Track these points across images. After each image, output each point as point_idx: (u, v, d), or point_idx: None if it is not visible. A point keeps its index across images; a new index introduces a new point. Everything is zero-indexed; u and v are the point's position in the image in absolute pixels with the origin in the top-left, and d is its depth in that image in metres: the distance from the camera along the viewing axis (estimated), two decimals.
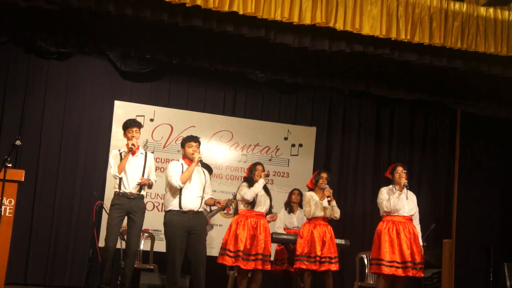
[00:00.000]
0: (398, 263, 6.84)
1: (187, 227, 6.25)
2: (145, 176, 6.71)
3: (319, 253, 7.19)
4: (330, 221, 7.45)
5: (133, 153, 6.71)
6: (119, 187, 6.61)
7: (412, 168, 9.70)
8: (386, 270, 6.86)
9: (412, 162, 9.75)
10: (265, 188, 7.36)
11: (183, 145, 6.52)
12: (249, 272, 7.24)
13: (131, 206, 6.59)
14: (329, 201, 7.29)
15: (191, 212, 6.29)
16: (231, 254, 7.09)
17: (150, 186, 6.79)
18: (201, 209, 6.43)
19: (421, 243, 7.11)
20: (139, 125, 6.86)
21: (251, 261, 7.06)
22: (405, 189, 7.00)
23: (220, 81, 9.07)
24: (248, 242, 7.06)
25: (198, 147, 6.46)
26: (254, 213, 7.20)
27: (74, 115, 8.55)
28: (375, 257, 7.02)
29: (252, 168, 7.35)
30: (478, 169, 9.61)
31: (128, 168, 6.64)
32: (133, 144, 6.65)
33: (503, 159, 9.66)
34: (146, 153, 6.88)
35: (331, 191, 7.30)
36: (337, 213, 7.40)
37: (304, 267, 7.22)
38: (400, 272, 6.84)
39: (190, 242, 6.29)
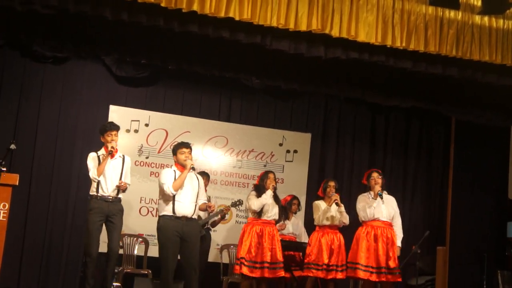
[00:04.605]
0: (373, 268, 6.90)
1: (180, 233, 6.21)
2: (122, 179, 6.67)
3: (326, 261, 7.21)
4: (340, 228, 7.48)
5: (112, 156, 6.67)
6: (97, 191, 6.56)
7: (407, 175, 9.73)
8: (361, 274, 6.95)
9: (407, 169, 9.78)
10: (275, 196, 7.26)
11: (174, 152, 6.48)
12: (254, 279, 7.15)
13: (110, 209, 6.55)
14: (337, 203, 7.26)
15: (184, 218, 6.25)
16: (237, 262, 7.08)
17: (125, 190, 6.74)
18: (195, 216, 6.40)
19: (399, 245, 7.10)
20: (117, 128, 6.78)
21: (257, 269, 6.99)
22: (378, 198, 6.99)
23: (216, 87, 9.07)
24: (253, 249, 7.00)
25: (190, 153, 6.41)
26: (261, 221, 7.13)
27: (69, 120, 8.53)
28: (351, 261, 7.07)
29: (263, 176, 7.24)
30: (472, 176, 9.63)
31: (106, 171, 6.59)
32: (112, 147, 6.59)
33: (497, 167, 9.68)
34: (124, 156, 6.83)
35: (338, 195, 7.32)
36: (345, 219, 7.41)
37: (311, 274, 7.27)
38: (374, 277, 6.90)
39: (183, 249, 6.25)
